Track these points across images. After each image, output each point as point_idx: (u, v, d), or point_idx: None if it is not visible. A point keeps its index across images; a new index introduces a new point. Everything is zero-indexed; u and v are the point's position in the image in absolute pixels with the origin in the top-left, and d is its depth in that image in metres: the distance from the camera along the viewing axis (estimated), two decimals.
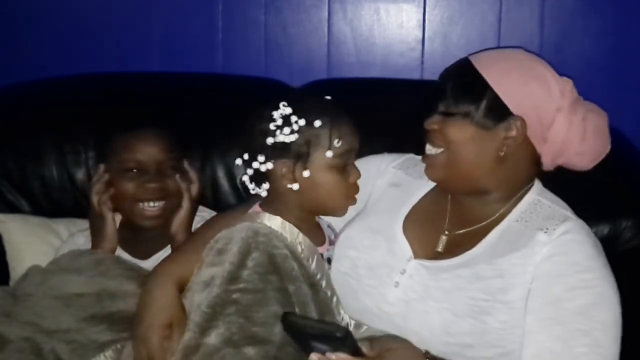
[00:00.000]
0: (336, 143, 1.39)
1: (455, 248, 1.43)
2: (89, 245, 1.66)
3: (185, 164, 1.72)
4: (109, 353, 1.44)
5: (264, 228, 1.38)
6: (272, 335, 1.28)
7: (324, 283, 1.41)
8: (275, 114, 1.39)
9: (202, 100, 1.99)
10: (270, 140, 1.38)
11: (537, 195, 1.45)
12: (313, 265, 1.40)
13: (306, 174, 1.39)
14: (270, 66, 2.22)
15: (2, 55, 2.25)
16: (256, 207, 1.46)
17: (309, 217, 1.48)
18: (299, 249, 1.39)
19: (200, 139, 1.91)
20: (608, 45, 2.14)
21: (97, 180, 1.66)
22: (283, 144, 1.38)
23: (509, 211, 1.43)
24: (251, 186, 1.45)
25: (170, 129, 1.71)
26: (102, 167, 1.68)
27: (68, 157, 1.92)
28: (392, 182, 1.58)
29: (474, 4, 2.16)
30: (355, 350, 1.24)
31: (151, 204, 1.65)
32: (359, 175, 1.45)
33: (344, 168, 1.42)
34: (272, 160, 1.39)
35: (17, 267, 1.80)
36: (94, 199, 1.65)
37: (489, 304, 1.34)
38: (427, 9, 2.18)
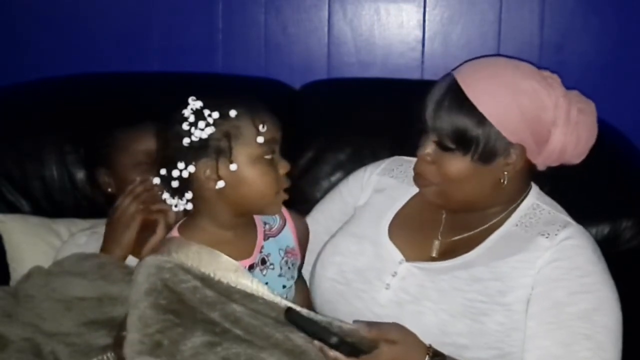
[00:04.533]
0: (261, 128, 1.29)
1: (450, 253, 1.43)
2: (90, 246, 1.66)
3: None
4: (108, 355, 1.43)
5: (166, 262, 1.28)
6: None
7: (261, 292, 1.29)
8: (186, 112, 1.29)
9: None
10: (186, 141, 1.27)
11: (535, 200, 1.45)
12: (242, 282, 1.29)
13: (233, 167, 1.27)
14: (270, 66, 2.22)
15: (2, 55, 2.25)
16: (174, 231, 1.37)
17: (242, 220, 1.36)
18: (216, 276, 1.28)
19: None
20: (608, 45, 2.14)
21: (143, 188, 1.61)
22: (201, 141, 1.27)
23: (508, 216, 1.43)
24: (173, 202, 1.32)
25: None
26: (138, 179, 1.62)
27: (68, 157, 1.92)
28: (376, 189, 1.57)
29: (474, 4, 2.16)
30: (351, 354, 1.23)
31: None
32: (288, 167, 1.34)
33: (272, 160, 1.32)
34: (193, 163, 1.28)
35: (18, 267, 1.80)
36: (137, 207, 1.60)
37: (486, 305, 1.34)
38: (427, 9, 2.17)
